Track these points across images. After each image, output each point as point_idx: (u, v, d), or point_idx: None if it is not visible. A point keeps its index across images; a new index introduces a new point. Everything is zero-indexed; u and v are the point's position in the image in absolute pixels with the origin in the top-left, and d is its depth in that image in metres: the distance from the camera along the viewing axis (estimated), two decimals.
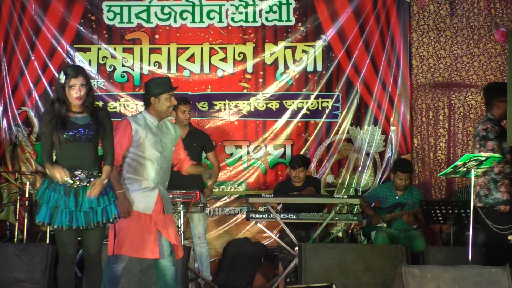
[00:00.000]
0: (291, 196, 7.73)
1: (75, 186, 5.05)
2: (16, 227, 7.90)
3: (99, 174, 5.11)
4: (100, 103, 8.53)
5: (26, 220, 7.94)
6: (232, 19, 8.71)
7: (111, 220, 5.17)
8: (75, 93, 5.03)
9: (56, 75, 8.51)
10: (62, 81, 5.04)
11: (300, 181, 7.96)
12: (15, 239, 7.88)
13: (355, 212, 7.48)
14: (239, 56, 8.71)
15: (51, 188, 5.06)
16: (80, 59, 8.66)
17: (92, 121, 5.10)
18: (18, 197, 8.01)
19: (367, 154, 8.69)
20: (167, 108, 5.57)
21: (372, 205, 8.06)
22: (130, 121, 5.51)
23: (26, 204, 7.95)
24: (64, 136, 5.01)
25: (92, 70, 8.64)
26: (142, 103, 8.49)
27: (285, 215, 7.49)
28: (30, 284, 6.68)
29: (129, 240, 5.40)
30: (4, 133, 8.67)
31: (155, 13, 8.70)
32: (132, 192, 5.43)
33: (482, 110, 8.61)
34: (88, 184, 5.06)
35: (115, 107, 8.69)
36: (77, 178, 5.05)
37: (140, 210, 5.43)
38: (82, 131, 5.07)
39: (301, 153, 8.58)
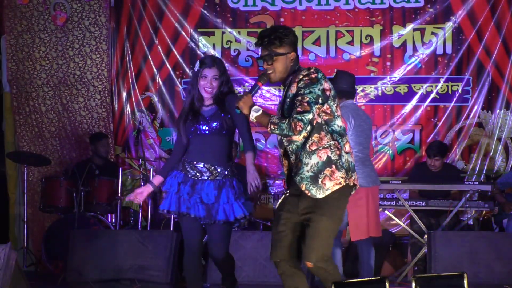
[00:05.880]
0: (418, 182, 7.53)
1: (195, 178, 4.80)
2: (140, 214, 7.80)
3: (225, 172, 4.82)
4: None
5: (149, 207, 7.86)
6: (359, 1, 8.48)
7: (231, 221, 4.80)
8: (204, 84, 4.77)
9: (180, 59, 8.44)
10: (196, 69, 4.83)
11: (437, 169, 7.77)
12: (139, 226, 7.78)
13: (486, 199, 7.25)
14: (366, 39, 8.50)
15: (173, 175, 4.86)
16: (204, 43, 8.56)
17: (218, 111, 4.81)
18: (142, 184, 7.84)
19: (499, 139, 8.43)
20: None
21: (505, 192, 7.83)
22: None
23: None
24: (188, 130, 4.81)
25: (216, 55, 8.46)
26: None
27: (414, 202, 7.29)
28: (154, 271, 6.58)
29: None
30: (127, 119, 8.61)
31: None
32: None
33: None
34: (209, 178, 4.78)
35: (239, 92, 8.52)
36: (198, 169, 4.81)
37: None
38: (202, 124, 4.79)
39: (430, 138, 8.37)
